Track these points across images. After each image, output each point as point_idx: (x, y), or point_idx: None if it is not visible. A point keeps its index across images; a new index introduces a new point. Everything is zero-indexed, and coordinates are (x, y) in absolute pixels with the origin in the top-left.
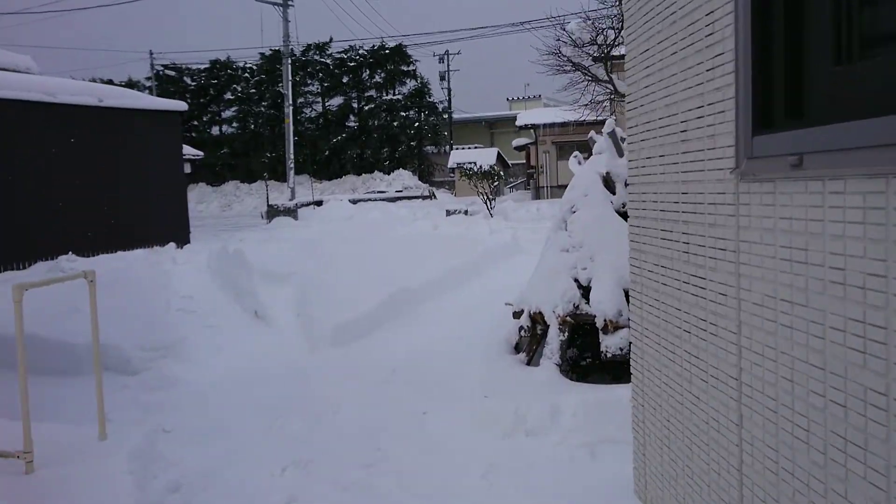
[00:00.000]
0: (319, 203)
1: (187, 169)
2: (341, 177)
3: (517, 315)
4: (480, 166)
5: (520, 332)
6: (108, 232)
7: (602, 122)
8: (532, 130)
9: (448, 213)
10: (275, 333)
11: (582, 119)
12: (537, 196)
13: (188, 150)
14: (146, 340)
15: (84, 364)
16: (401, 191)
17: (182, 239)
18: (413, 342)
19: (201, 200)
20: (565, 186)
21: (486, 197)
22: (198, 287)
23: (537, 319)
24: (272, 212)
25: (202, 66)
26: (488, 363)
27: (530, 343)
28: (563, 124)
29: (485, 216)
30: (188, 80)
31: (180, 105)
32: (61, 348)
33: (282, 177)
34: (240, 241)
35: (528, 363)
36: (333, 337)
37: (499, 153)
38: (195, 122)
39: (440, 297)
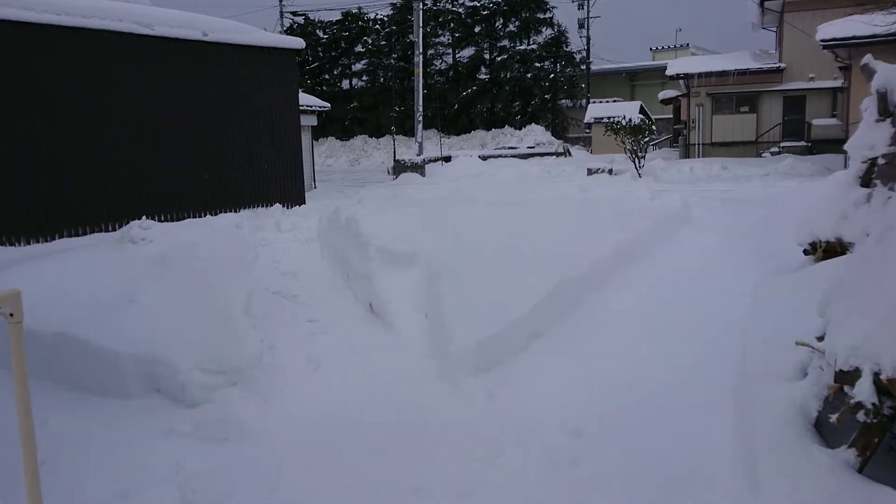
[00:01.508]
0: (447, 159)
1: (313, 121)
2: (470, 132)
3: (846, 377)
4: (630, 119)
5: (853, 409)
6: (202, 190)
7: (768, 72)
8: (683, 81)
9: (590, 171)
10: (393, 342)
11: (745, 68)
12: (686, 154)
13: (315, 102)
14: (213, 355)
15: (131, 382)
16: (533, 147)
17: (294, 198)
18: (597, 372)
19: (330, 155)
20: (721, 144)
21: (634, 155)
22: (303, 263)
23: (891, 388)
24: (399, 167)
25: (334, 19)
26: (768, 453)
27: (868, 432)
28: (722, 73)
29: (632, 176)
30: (320, 33)
31: (296, 42)
32: (101, 358)
33: (410, 131)
34: (358, 203)
35: (861, 469)
36: (476, 357)
37: (641, 107)
38: (326, 76)
39: (612, 286)
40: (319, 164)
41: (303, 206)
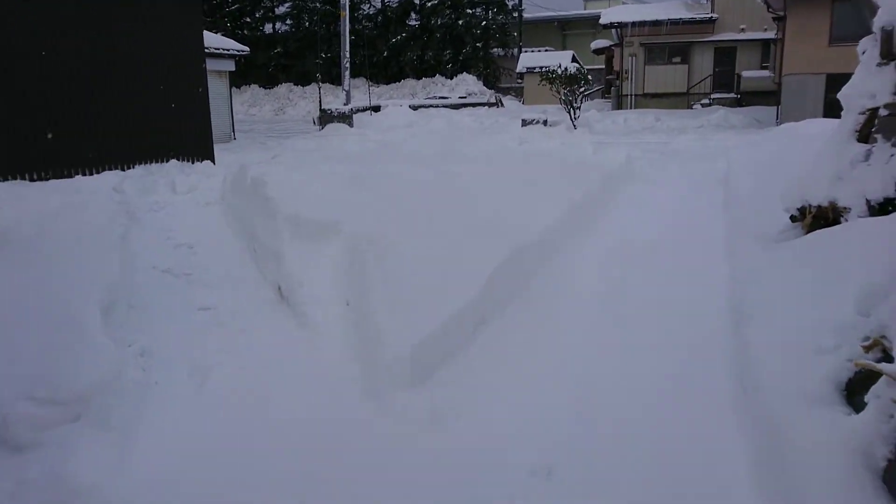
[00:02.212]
0: (376, 108)
1: (230, 66)
2: (400, 80)
3: None
4: (566, 69)
5: None
6: (78, 143)
7: (700, 22)
8: (616, 31)
9: (524, 122)
10: (307, 341)
11: (678, 18)
12: (619, 106)
13: (232, 45)
14: (49, 377)
15: None
16: (464, 97)
17: (199, 152)
18: (560, 373)
19: (253, 104)
20: (653, 95)
21: (570, 105)
22: (203, 232)
23: None
24: (325, 117)
25: None
26: None
27: None
28: (656, 23)
29: (567, 128)
30: None
31: None
32: None
33: (337, 79)
34: (273, 159)
35: None
36: (414, 364)
37: (574, 57)
38: (247, 20)
39: (567, 255)
40: (242, 113)
41: (211, 161)
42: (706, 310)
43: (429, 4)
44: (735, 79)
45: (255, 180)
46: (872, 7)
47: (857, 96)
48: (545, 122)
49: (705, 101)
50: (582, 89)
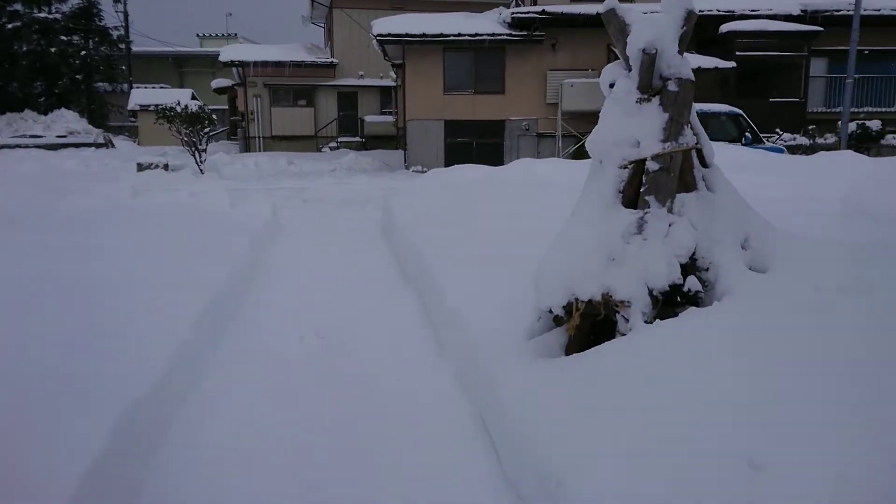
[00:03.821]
0: None
1: None
2: None
3: None
4: (185, 106)
5: None
6: None
7: (322, 66)
8: (237, 70)
9: (140, 167)
10: None
11: (301, 60)
12: (247, 148)
13: None
14: None
15: None
16: (64, 136)
17: None
18: None
19: None
20: (282, 137)
21: (194, 147)
22: None
23: None
24: None
25: None
26: None
27: None
28: (279, 64)
29: (194, 172)
30: None
31: None
32: None
33: None
34: None
35: None
36: None
37: (193, 95)
38: None
39: (208, 392)
40: None
41: None
42: None
43: (10, 26)
44: (359, 123)
45: None
46: (621, 24)
47: (614, 144)
48: (167, 167)
49: (333, 144)
50: (206, 130)
